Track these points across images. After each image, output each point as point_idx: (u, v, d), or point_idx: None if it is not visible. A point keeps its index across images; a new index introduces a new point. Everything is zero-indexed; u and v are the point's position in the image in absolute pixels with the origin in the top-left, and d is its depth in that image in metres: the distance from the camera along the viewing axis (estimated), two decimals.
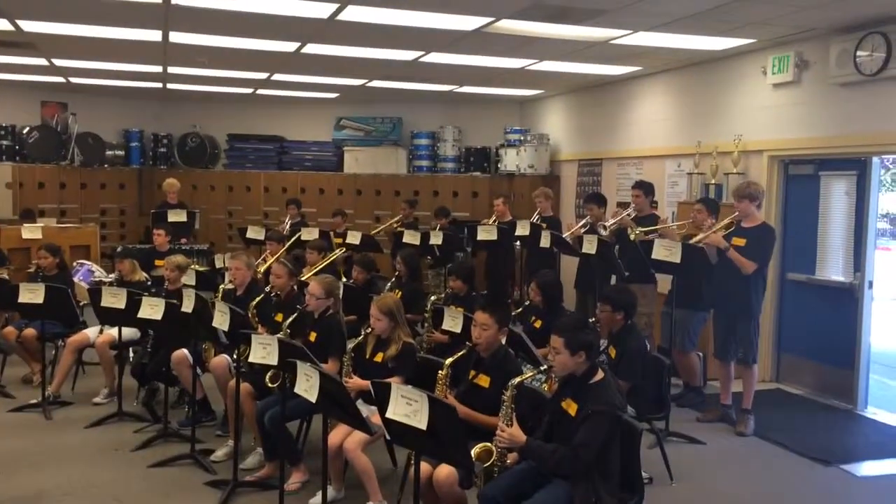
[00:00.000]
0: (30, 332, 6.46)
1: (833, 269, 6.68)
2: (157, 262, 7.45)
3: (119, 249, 7.27)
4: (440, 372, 4.05)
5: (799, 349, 7.02)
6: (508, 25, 6.37)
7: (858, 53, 5.96)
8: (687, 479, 4.94)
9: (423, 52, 7.77)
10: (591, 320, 4.73)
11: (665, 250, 5.86)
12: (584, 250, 6.63)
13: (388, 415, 3.17)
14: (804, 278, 6.89)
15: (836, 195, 6.67)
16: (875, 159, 6.35)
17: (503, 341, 4.22)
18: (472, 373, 4.07)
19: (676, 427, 5.68)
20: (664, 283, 6.68)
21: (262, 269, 6.85)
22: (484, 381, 3.99)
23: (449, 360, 4.06)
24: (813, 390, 6.82)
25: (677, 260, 5.77)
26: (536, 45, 7.19)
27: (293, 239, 8.21)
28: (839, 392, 6.54)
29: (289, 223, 9.60)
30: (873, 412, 6.33)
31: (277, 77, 9.66)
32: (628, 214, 6.85)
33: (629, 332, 4.96)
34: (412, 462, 3.49)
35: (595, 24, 6.22)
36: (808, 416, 6.30)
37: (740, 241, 5.77)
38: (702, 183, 7.69)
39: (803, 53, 6.66)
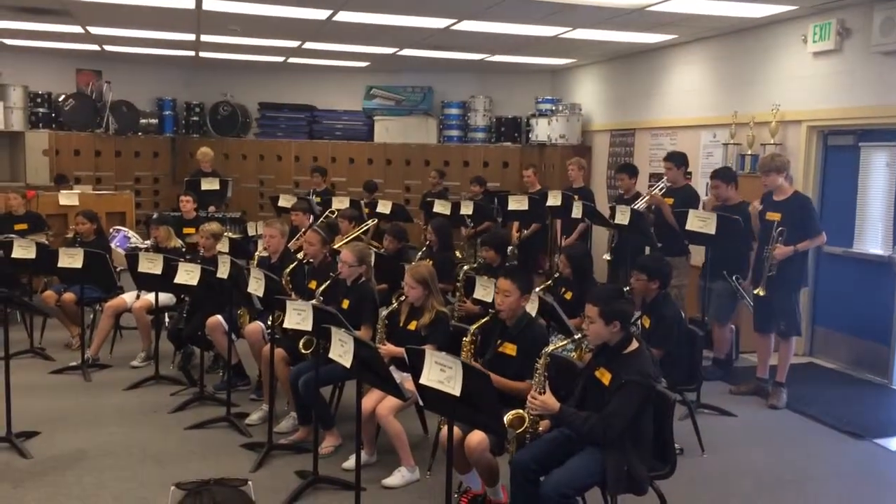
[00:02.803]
0: (69, 296, 6.60)
1: (871, 241, 6.57)
2: (185, 230, 7.51)
3: (155, 216, 7.34)
4: (465, 338, 4.07)
5: (834, 323, 6.93)
6: None
7: None
8: (718, 450, 4.93)
9: (455, 20, 7.69)
10: (625, 290, 4.71)
11: (700, 221, 5.81)
12: (616, 221, 6.59)
13: (423, 381, 3.20)
14: (840, 251, 6.78)
15: (877, 166, 6.54)
16: None
17: (530, 309, 4.21)
18: (498, 341, 4.07)
19: (708, 399, 5.65)
20: (698, 255, 6.63)
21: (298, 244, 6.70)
22: (510, 349, 4.00)
23: (474, 326, 4.07)
24: (847, 364, 6.75)
25: (712, 231, 5.72)
26: (571, 12, 7.08)
27: (325, 213, 8.11)
28: (874, 366, 6.46)
29: (312, 193, 9.27)
30: None
31: (309, 45, 9.64)
32: (660, 189, 6.76)
33: (664, 301, 4.95)
34: (444, 428, 3.52)
35: None
36: (841, 390, 6.24)
37: (775, 216, 5.69)
38: (737, 153, 7.57)
39: (845, 21, 6.49)
